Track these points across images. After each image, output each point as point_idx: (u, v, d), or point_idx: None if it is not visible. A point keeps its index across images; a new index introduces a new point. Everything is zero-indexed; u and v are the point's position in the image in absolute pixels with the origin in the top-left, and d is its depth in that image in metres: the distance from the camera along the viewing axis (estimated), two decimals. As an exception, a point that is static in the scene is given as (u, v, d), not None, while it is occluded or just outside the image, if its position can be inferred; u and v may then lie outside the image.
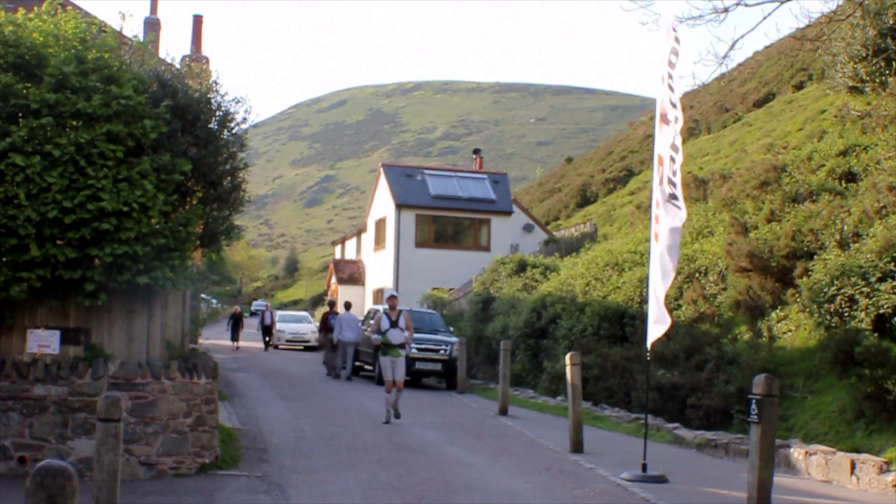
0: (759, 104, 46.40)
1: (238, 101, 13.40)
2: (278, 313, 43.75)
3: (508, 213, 43.32)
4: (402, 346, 17.11)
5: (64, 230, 10.79)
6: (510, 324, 25.72)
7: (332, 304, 32.02)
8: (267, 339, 39.16)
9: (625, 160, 58.34)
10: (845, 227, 16.70)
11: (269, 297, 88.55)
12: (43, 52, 11.29)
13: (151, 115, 11.44)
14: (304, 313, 48.73)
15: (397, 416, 16.53)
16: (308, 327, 41.64)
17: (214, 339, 38.81)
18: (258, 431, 14.82)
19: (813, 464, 12.25)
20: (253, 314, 58.97)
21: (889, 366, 13.20)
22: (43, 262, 10.72)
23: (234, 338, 38.50)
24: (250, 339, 41.41)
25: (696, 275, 20.41)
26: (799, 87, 42.93)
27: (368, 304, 42.39)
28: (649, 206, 13.10)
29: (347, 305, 27.20)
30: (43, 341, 11.29)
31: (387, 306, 17.91)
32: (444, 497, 10.33)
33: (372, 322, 18.92)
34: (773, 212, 19.70)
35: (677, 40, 11.95)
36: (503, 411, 18.63)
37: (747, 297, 17.95)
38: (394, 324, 17.08)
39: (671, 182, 11.72)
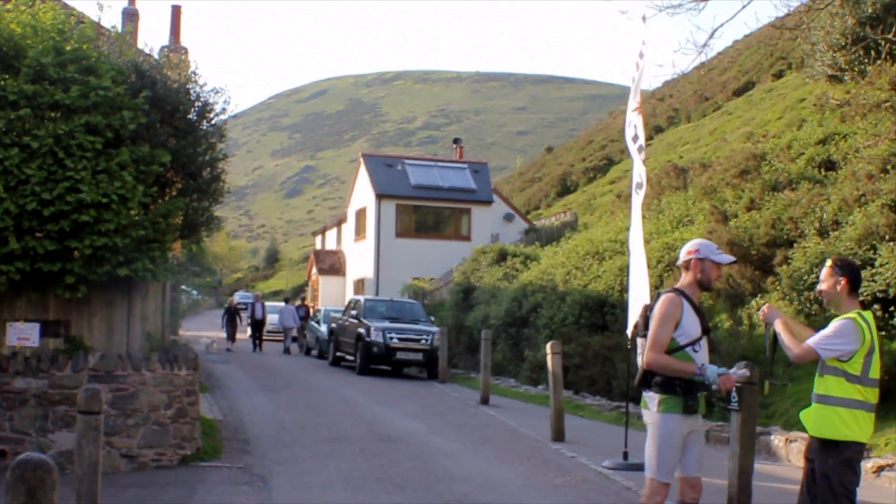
0: (738, 93, 46.54)
1: (217, 92, 13.40)
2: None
3: (489, 202, 43.31)
4: (710, 388, 6.91)
5: (43, 222, 10.73)
6: (491, 313, 25.74)
7: (290, 299, 38.61)
8: (257, 336, 33.42)
9: (605, 149, 58.38)
10: (825, 216, 16.78)
11: (251, 288, 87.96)
12: (21, 43, 11.21)
13: (130, 106, 11.38)
14: (284, 304, 48.62)
15: None
16: None
17: (195, 329, 38.54)
18: (240, 423, 14.79)
19: (794, 451, 12.32)
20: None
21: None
22: (22, 255, 10.66)
23: (231, 336, 32.71)
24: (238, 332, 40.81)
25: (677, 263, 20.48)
26: (778, 75, 43.09)
27: (349, 295, 42.32)
28: (629, 196, 13.13)
29: (286, 300, 36.45)
30: (22, 334, 11.23)
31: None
32: (426, 486, 10.34)
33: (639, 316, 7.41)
34: (752, 200, 19.78)
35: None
36: (484, 401, 18.65)
37: (727, 285, 18.03)
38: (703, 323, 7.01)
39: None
